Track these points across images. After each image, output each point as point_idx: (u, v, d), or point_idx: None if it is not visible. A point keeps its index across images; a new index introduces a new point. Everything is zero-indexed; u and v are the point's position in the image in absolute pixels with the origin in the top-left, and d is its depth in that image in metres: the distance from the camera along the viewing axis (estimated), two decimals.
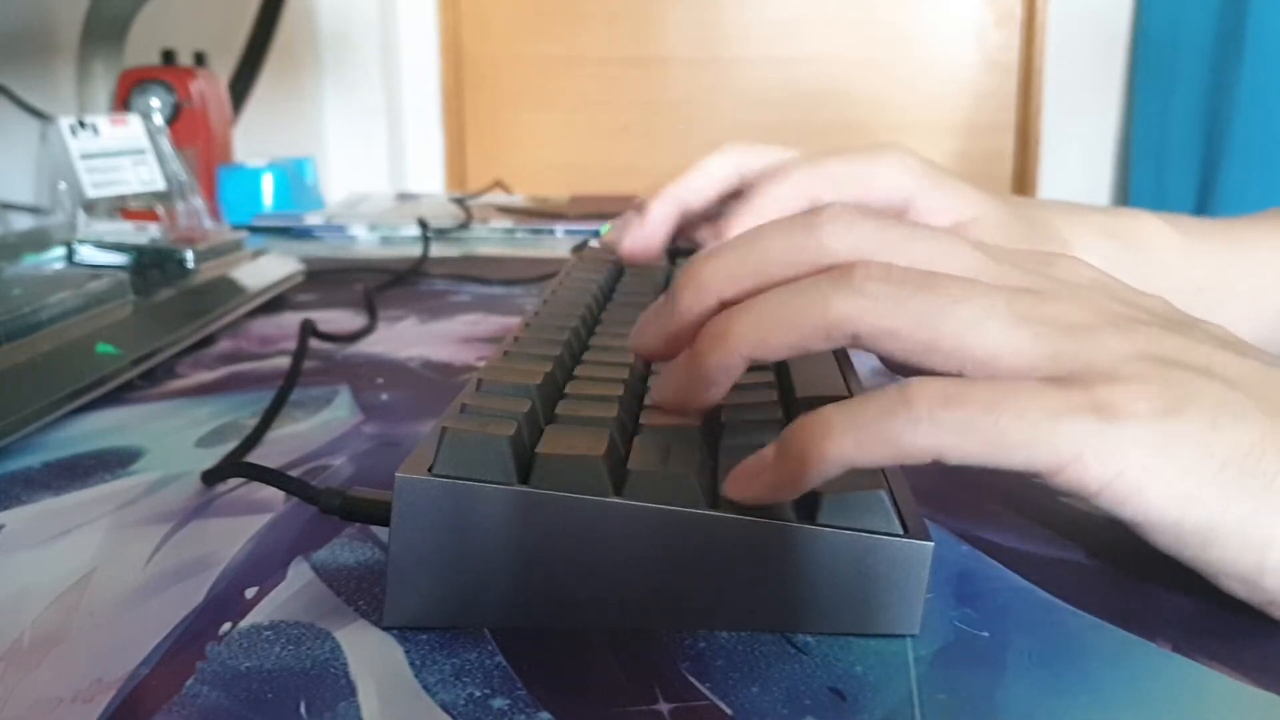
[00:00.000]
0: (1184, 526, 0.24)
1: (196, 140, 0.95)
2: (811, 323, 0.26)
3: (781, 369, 0.35)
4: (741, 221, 0.45)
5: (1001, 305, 0.25)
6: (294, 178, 1.07)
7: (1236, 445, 0.24)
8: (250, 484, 0.35)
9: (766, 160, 0.48)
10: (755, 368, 0.34)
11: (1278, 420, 0.24)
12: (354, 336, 0.57)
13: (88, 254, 0.59)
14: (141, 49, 0.98)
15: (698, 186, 0.49)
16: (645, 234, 0.50)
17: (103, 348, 0.45)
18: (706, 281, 0.28)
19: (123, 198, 0.66)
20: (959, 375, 0.25)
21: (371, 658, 0.25)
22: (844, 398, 0.31)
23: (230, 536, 0.32)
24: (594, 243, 0.60)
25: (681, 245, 0.54)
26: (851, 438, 0.23)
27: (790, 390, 0.32)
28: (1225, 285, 0.47)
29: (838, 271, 0.26)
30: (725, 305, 0.28)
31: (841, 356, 0.36)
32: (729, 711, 0.23)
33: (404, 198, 1.23)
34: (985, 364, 0.25)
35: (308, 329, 0.52)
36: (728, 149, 0.50)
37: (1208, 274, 0.47)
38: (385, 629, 0.26)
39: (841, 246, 0.27)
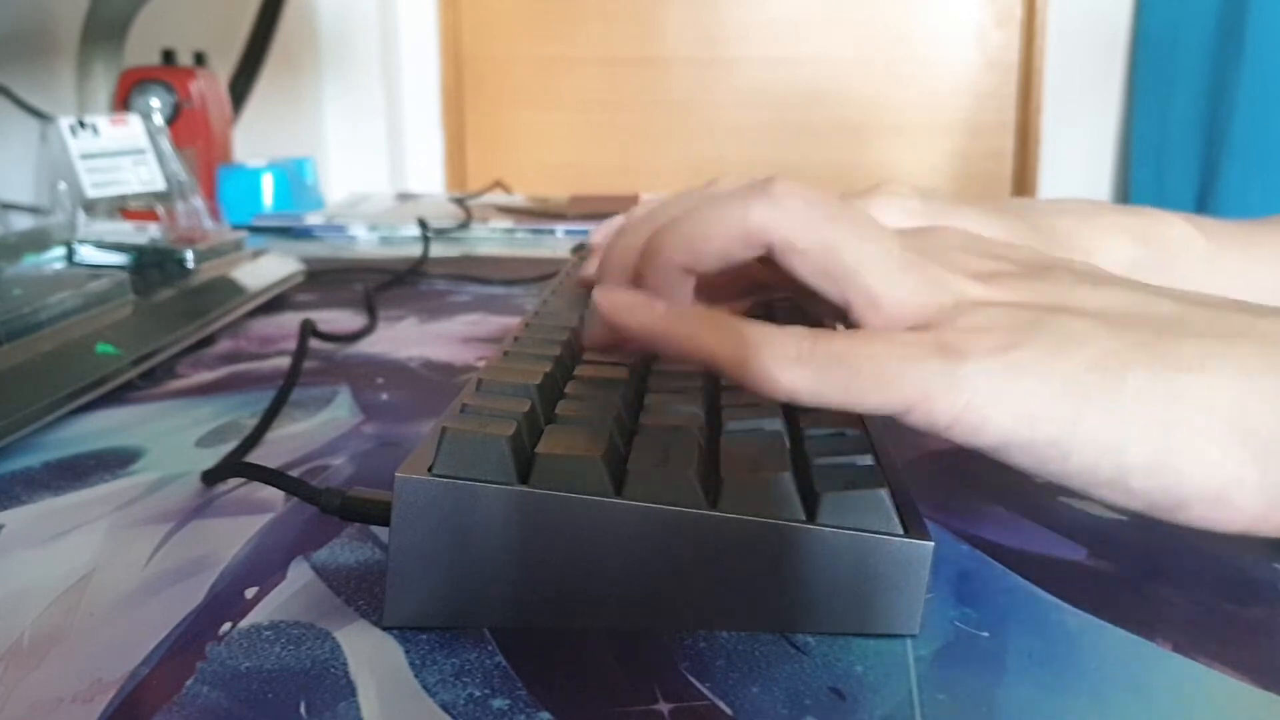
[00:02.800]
0: (1038, 444, 0.25)
1: (196, 140, 0.95)
2: (731, 228, 0.28)
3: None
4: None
5: (896, 253, 0.28)
6: (294, 178, 1.07)
7: (1079, 364, 0.25)
8: (250, 484, 0.35)
9: None
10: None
11: (1124, 338, 0.25)
12: (354, 336, 0.57)
13: (88, 254, 0.59)
14: (141, 49, 0.99)
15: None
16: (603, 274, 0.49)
17: (103, 348, 0.45)
18: (625, 250, 0.31)
19: (123, 198, 0.66)
20: (841, 306, 0.28)
21: (371, 658, 0.25)
22: None
23: (230, 536, 0.32)
24: None
25: None
26: (729, 350, 0.25)
27: None
28: (1249, 288, 0.47)
29: (761, 184, 0.28)
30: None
31: None
32: (729, 711, 0.23)
33: (404, 198, 1.23)
34: (867, 303, 0.27)
35: (308, 329, 0.52)
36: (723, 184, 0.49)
37: (1231, 277, 0.47)
38: (385, 629, 0.26)
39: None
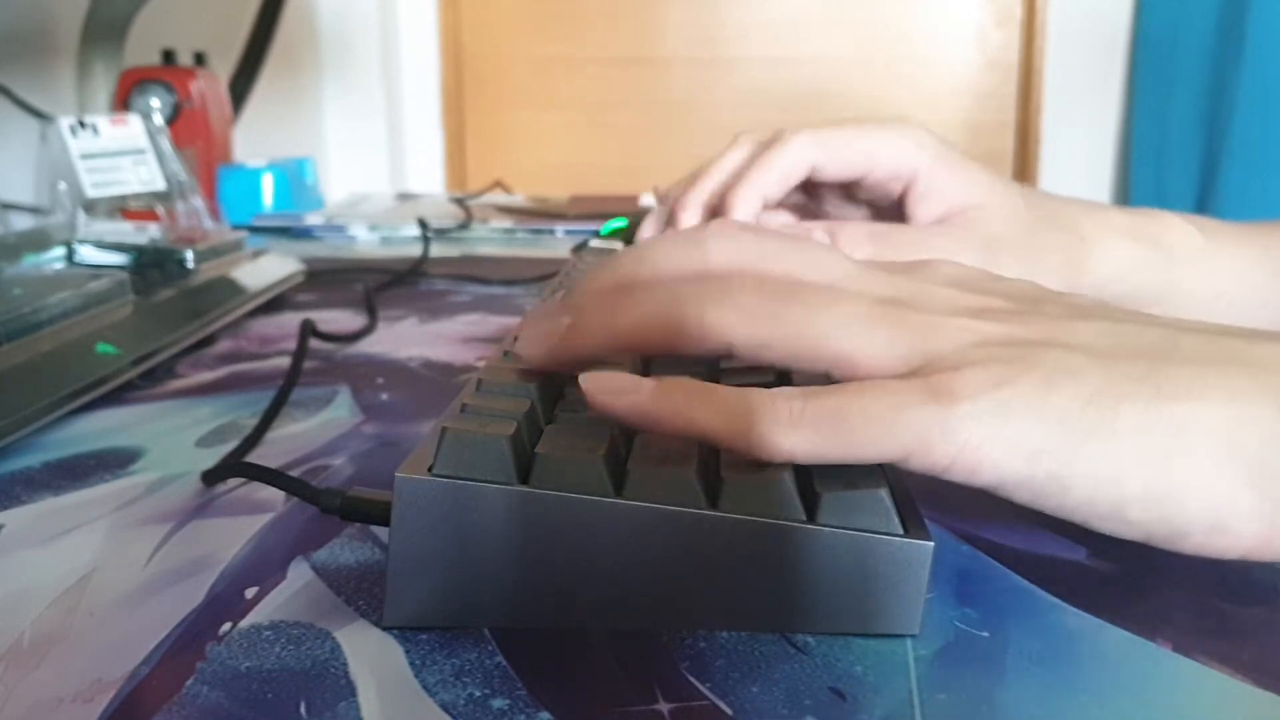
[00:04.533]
0: (1037, 479, 0.25)
1: (196, 140, 0.95)
2: (689, 331, 0.27)
3: (783, 369, 0.35)
4: (737, 191, 0.45)
5: (862, 310, 0.27)
6: (294, 178, 1.07)
7: (1073, 398, 0.25)
8: (250, 484, 0.35)
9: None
10: (755, 368, 0.34)
11: (1117, 370, 0.25)
12: (354, 336, 0.57)
13: (88, 254, 0.59)
14: (141, 49, 0.99)
15: (713, 186, 0.48)
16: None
17: (103, 348, 0.45)
18: (600, 293, 0.30)
19: (123, 198, 0.66)
20: (828, 375, 0.27)
21: (371, 658, 0.25)
22: None
23: (230, 536, 0.32)
24: (594, 242, 0.60)
25: None
26: (721, 422, 0.25)
27: None
28: (1247, 291, 0.47)
29: (715, 284, 0.28)
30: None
31: None
32: (729, 711, 0.23)
33: (404, 198, 1.23)
34: (844, 367, 0.27)
35: (308, 329, 0.52)
36: (742, 141, 0.49)
37: (1231, 280, 0.47)
38: (385, 629, 0.26)
39: (723, 258, 0.29)
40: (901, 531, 0.25)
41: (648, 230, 0.54)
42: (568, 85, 2.15)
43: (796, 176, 0.46)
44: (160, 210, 0.68)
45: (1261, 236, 0.49)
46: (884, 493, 0.25)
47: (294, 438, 0.41)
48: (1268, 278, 0.48)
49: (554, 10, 2.12)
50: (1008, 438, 0.24)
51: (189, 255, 0.59)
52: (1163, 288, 0.45)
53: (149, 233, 0.63)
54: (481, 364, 0.46)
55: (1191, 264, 0.46)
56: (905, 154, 0.45)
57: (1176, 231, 0.47)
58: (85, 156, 0.64)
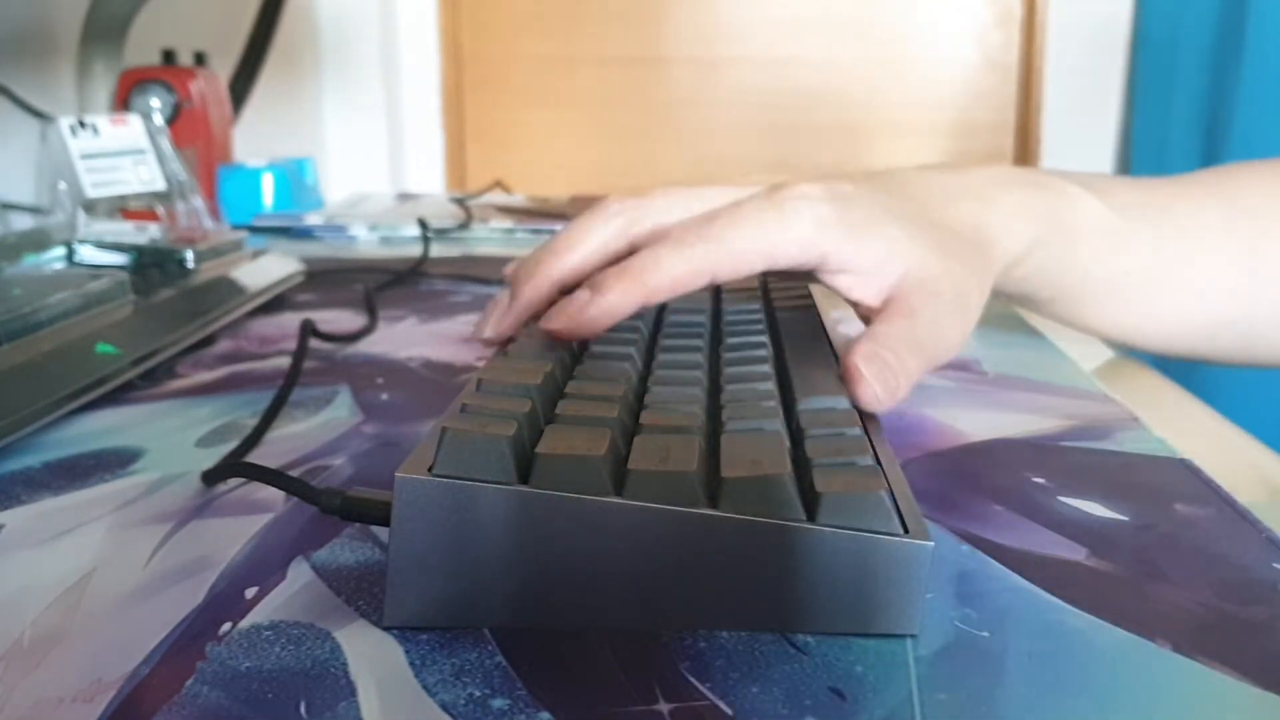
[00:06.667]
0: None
1: (196, 140, 0.95)
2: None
3: (781, 370, 0.35)
4: (620, 285, 0.36)
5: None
6: (294, 178, 1.07)
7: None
8: (250, 484, 0.35)
9: (656, 219, 0.40)
10: (755, 363, 0.34)
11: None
12: (354, 336, 0.57)
13: (88, 254, 0.59)
14: (141, 49, 0.98)
15: (574, 263, 0.41)
16: (510, 319, 0.42)
17: (103, 348, 0.45)
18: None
19: (123, 198, 0.66)
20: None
21: (371, 658, 0.25)
22: (841, 401, 0.31)
23: (230, 536, 0.32)
24: None
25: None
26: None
27: (789, 389, 0.32)
28: (1159, 266, 0.47)
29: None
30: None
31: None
32: (729, 711, 0.23)
33: (404, 198, 1.23)
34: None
35: (308, 329, 0.52)
36: (609, 209, 0.41)
37: (1135, 261, 0.47)
38: (385, 629, 0.26)
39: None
40: (901, 531, 0.25)
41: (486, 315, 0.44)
42: (568, 85, 2.14)
43: (688, 285, 0.37)
44: (160, 210, 0.68)
45: (1183, 198, 0.48)
46: (884, 493, 0.25)
47: (294, 438, 0.41)
48: (1179, 249, 0.47)
49: (554, 10, 2.12)
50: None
51: (189, 255, 0.59)
52: (1062, 265, 0.46)
53: (149, 233, 0.63)
54: (481, 364, 0.46)
55: (1093, 245, 0.46)
56: (808, 239, 0.38)
57: (1080, 213, 0.45)
58: (85, 156, 0.64)
